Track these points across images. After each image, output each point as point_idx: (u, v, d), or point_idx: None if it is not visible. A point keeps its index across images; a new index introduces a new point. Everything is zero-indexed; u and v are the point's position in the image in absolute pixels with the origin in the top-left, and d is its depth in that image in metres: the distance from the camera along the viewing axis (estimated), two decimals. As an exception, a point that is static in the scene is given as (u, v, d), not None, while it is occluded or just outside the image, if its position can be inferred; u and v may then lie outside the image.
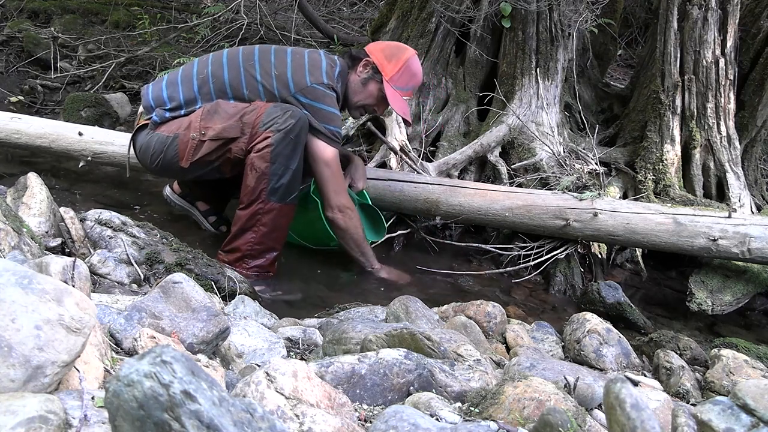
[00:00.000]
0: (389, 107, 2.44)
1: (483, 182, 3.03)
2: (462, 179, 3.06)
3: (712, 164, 3.07)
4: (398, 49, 2.40)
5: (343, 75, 2.38)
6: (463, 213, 2.73)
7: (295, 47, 2.47)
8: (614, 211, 2.60)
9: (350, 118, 3.19)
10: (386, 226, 2.74)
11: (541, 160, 3.10)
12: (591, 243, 2.79)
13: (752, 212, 2.91)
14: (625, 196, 3.10)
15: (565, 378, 1.27)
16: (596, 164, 3.04)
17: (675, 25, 3.01)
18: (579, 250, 2.77)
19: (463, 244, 2.95)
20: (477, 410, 1.12)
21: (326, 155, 2.28)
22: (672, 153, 3.05)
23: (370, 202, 2.70)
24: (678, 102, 3.04)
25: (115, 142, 2.99)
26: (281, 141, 2.16)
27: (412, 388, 1.18)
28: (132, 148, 2.43)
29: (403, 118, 2.52)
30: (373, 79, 2.38)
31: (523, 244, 2.79)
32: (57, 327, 0.78)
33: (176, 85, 2.34)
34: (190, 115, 2.27)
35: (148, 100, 2.36)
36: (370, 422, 1.05)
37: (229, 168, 2.27)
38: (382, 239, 2.71)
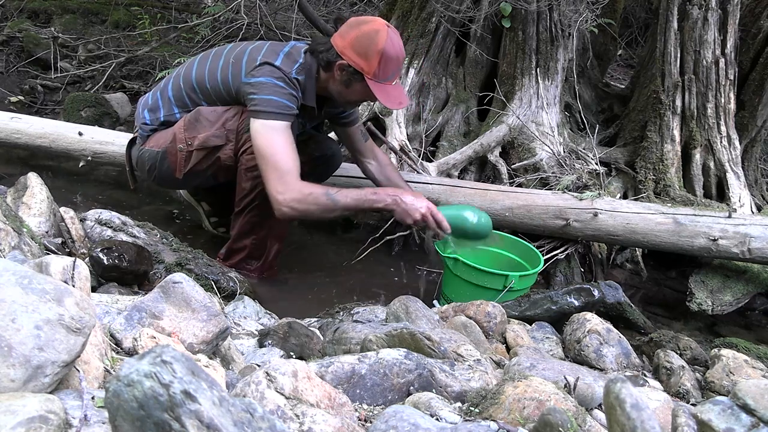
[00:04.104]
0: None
1: (483, 182, 3.03)
2: (462, 179, 3.06)
3: (712, 164, 3.07)
4: (368, 40, 2.04)
5: (307, 68, 2.14)
6: (463, 213, 2.72)
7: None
8: (614, 211, 2.60)
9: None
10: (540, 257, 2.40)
11: (541, 160, 3.10)
12: (591, 243, 2.79)
13: (752, 212, 2.91)
14: (625, 196, 3.10)
15: (565, 378, 1.27)
16: (596, 164, 3.04)
17: (675, 25, 3.01)
18: (579, 250, 2.77)
19: (463, 244, 2.95)
20: (477, 410, 1.12)
21: (258, 136, 2.01)
22: (672, 153, 3.05)
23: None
24: (678, 102, 3.04)
25: (115, 142, 2.99)
26: None
27: (412, 388, 1.18)
28: (130, 159, 2.41)
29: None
30: (355, 79, 2.11)
31: (523, 244, 2.79)
32: (57, 327, 0.78)
33: (156, 96, 2.31)
34: (173, 127, 2.22)
35: (138, 113, 2.35)
36: (370, 422, 1.05)
37: (223, 174, 2.22)
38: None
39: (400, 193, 2.08)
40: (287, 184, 1.98)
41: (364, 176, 2.63)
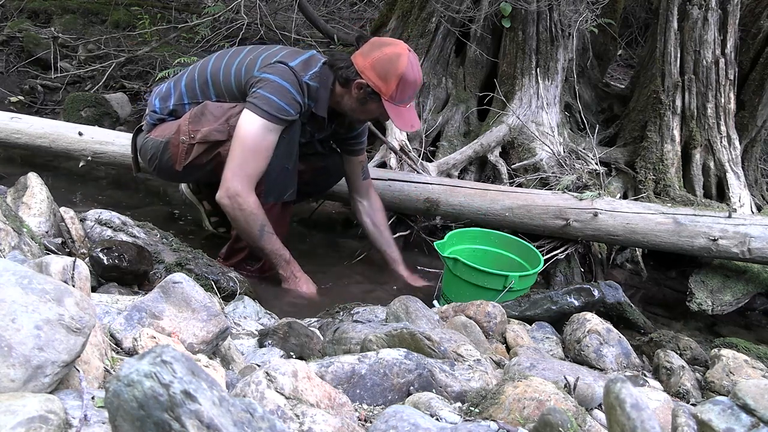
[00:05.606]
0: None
1: (483, 182, 3.03)
2: (462, 179, 3.06)
3: (712, 164, 3.07)
4: (390, 63, 2.07)
5: (322, 78, 2.18)
6: (463, 213, 2.73)
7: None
8: (614, 211, 2.60)
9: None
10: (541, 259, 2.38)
11: (541, 160, 3.11)
12: (591, 243, 2.79)
13: (752, 212, 2.91)
14: (625, 196, 3.10)
15: (565, 378, 1.27)
16: (596, 164, 3.04)
17: (675, 25, 3.01)
18: (579, 250, 2.77)
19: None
20: (477, 410, 1.12)
21: (245, 125, 2.05)
22: (672, 153, 3.05)
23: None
24: (678, 102, 3.04)
25: (115, 142, 3.00)
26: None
27: (412, 388, 1.18)
28: (135, 147, 2.44)
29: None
30: (371, 99, 2.14)
31: (523, 244, 2.79)
32: (57, 327, 0.78)
33: (170, 85, 2.34)
34: (179, 119, 2.24)
35: (150, 101, 2.37)
36: (370, 422, 1.05)
37: (222, 170, 2.18)
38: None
39: (300, 279, 2.25)
40: (245, 189, 2.08)
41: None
